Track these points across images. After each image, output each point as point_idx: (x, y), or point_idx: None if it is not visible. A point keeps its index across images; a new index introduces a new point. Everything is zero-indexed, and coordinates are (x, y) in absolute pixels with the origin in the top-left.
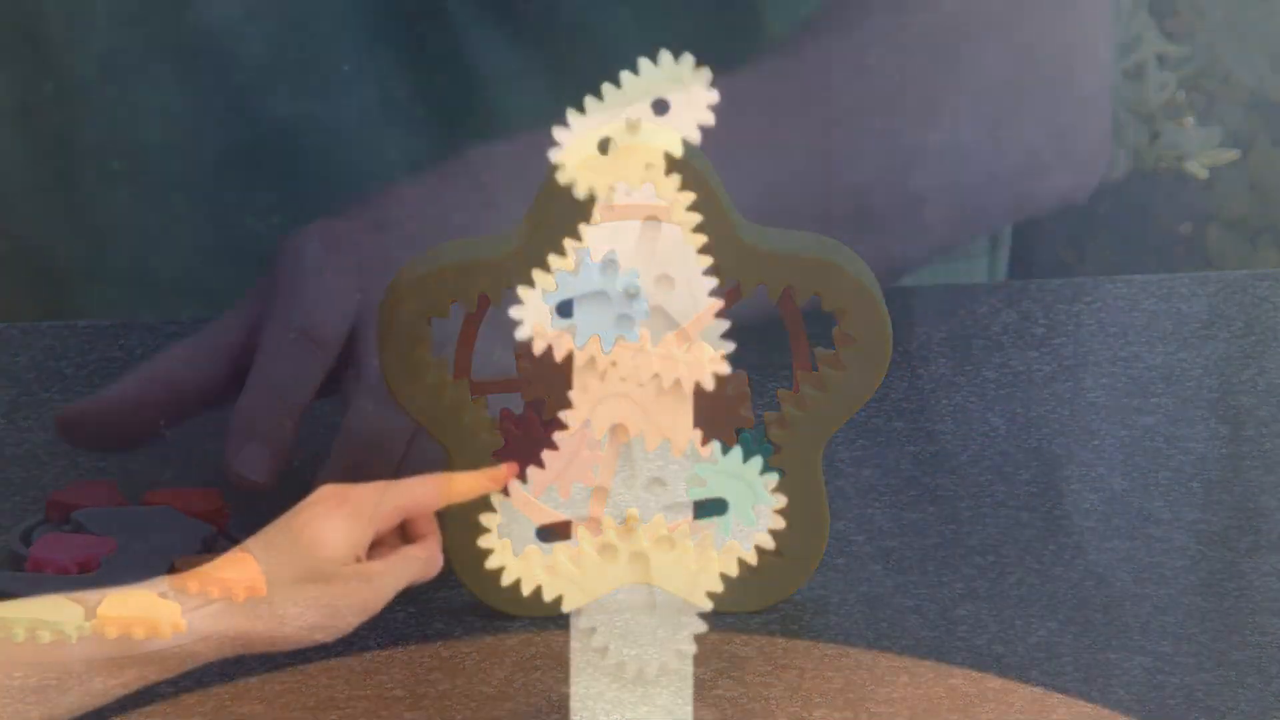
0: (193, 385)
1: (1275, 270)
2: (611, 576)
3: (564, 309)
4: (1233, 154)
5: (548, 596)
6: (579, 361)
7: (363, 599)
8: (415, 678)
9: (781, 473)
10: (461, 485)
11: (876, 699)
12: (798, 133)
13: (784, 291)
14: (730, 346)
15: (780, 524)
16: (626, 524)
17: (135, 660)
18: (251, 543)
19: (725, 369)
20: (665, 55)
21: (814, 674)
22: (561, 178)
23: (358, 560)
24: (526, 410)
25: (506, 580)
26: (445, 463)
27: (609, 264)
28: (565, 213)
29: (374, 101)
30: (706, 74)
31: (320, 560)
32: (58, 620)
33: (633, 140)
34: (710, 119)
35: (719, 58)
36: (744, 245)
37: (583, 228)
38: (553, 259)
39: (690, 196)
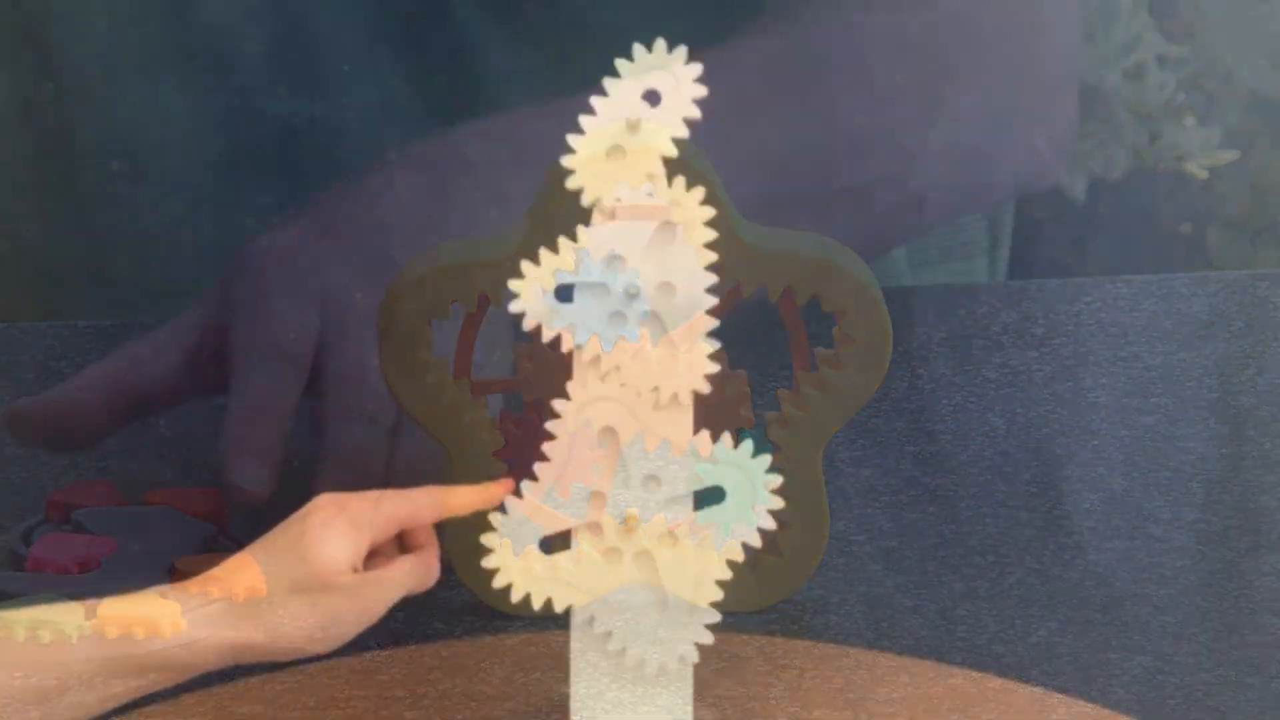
0: (143, 386)
1: (1275, 270)
2: (615, 576)
3: (564, 295)
4: (1233, 154)
5: (559, 607)
6: (582, 358)
7: (360, 609)
8: (415, 678)
9: (782, 474)
10: (459, 499)
11: (876, 699)
12: (783, 99)
13: (784, 291)
14: (715, 345)
15: (773, 525)
16: (627, 523)
17: (135, 668)
18: (251, 549)
19: (714, 368)
20: (660, 43)
21: (814, 674)
22: (571, 183)
23: (355, 570)
24: (526, 410)
25: (516, 595)
26: (432, 472)
27: (613, 259)
28: (565, 213)
29: (374, 101)
30: (698, 68)
31: (318, 570)
32: (58, 620)
33: (633, 141)
34: (697, 113)
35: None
36: (744, 245)
37: (581, 229)
38: (552, 259)
39: (690, 196)
